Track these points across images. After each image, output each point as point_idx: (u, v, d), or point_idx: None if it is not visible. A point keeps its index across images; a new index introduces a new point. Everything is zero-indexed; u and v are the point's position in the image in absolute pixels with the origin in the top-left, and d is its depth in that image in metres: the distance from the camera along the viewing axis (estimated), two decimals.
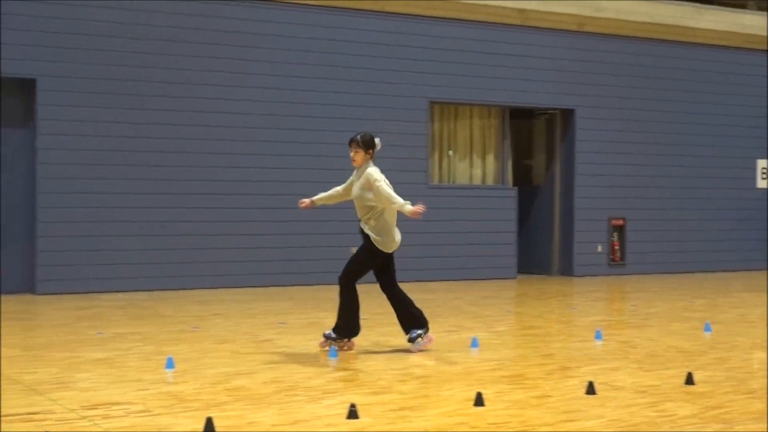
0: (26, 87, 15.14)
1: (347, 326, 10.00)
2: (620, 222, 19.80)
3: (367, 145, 10.12)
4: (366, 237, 10.08)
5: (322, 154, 16.78)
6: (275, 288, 16.21)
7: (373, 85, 17.27)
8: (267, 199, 16.48)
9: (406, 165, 17.48)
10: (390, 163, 17.31)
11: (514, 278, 18.58)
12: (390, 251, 10.20)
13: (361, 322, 10.25)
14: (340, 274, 10.29)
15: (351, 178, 10.38)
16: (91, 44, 15.25)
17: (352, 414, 7.01)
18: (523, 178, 19.91)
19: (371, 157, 10.21)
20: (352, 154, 10.14)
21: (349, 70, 17.04)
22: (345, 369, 9.03)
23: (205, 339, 10.80)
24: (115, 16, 15.36)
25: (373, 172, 10.03)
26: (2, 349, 10.03)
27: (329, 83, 16.89)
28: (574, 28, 19.05)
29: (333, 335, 9.99)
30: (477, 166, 18.84)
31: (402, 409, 7.35)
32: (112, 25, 15.36)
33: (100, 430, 6.68)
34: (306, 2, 16.60)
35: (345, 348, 9.94)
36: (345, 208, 16.80)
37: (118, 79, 15.41)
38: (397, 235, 10.19)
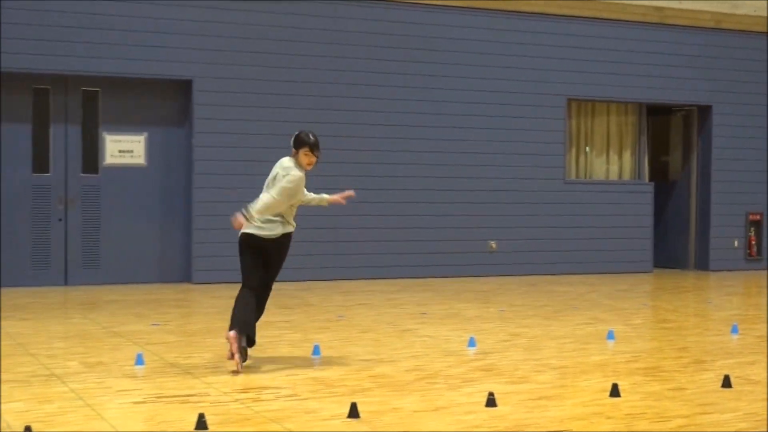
0: (183, 88, 15.50)
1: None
2: (757, 217, 19.23)
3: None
4: (289, 235, 8.84)
5: (466, 150, 16.78)
6: (416, 280, 16.23)
7: (512, 83, 17.14)
8: (413, 194, 16.52)
9: (544, 161, 17.37)
10: (527, 159, 17.30)
11: (650, 272, 18.24)
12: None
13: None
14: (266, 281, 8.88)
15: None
16: (245, 47, 15.52)
17: (491, 402, 6.98)
18: (659, 173, 19.51)
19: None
20: (315, 161, 9.22)
21: (491, 69, 16.95)
22: (484, 359, 8.99)
23: (350, 328, 10.90)
24: (267, 20, 15.59)
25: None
26: (162, 335, 10.30)
27: (469, 82, 16.83)
28: (711, 25, 18.56)
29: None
30: (613, 162, 18.55)
31: (539, 398, 7.30)
32: (265, 28, 15.59)
33: (252, 412, 6.80)
34: (449, 3, 16.58)
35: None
36: (488, 203, 16.84)
37: (270, 79, 15.66)
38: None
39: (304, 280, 15.64)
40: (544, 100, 17.44)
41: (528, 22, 17.21)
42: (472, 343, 9.67)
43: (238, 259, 8.65)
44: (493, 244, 17.09)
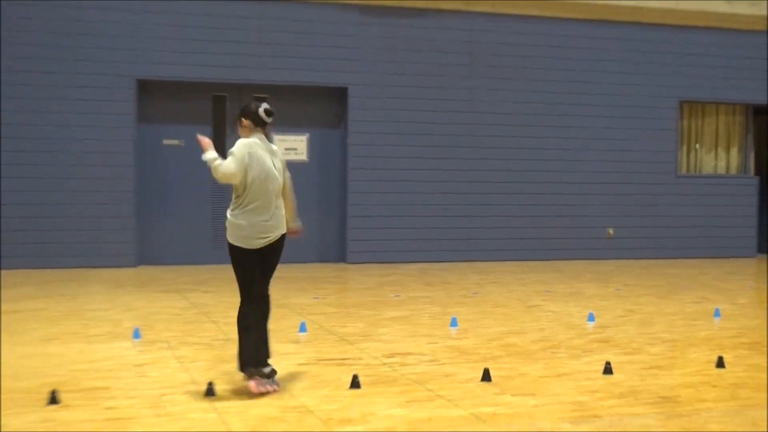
0: (339, 94, 15.70)
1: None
2: None
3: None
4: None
5: (588, 148, 16.61)
6: (542, 261, 16.11)
7: (631, 87, 16.83)
8: (541, 186, 16.40)
9: (658, 157, 17.04)
10: (644, 155, 17.00)
11: (754, 257, 17.67)
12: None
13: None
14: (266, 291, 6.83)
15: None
16: (392, 58, 15.62)
17: (608, 370, 6.94)
18: (765, 168, 18.86)
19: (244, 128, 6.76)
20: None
21: (610, 75, 16.69)
22: (602, 332, 8.90)
23: (483, 303, 10.90)
24: (410, 34, 15.66)
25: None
26: (322, 307, 10.48)
27: (592, 87, 16.60)
28: None
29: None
30: (721, 158, 18.02)
31: (651, 368, 7.20)
32: (409, 42, 15.67)
33: (398, 374, 6.89)
34: (576, 16, 16.39)
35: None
36: (607, 194, 16.62)
37: (413, 86, 15.72)
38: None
39: (443, 261, 15.70)
40: (659, 102, 17.07)
41: (645, 32, 16.85)
42: (591, 318, 9.59)
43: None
44: (611, 231, 16.85)
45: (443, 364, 7.29)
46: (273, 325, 9.06)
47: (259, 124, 6.69)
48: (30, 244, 14.04)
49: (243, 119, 6.75)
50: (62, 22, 14.19)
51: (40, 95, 14.12)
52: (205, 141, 6.66)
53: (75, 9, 14.22)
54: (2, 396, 6.12)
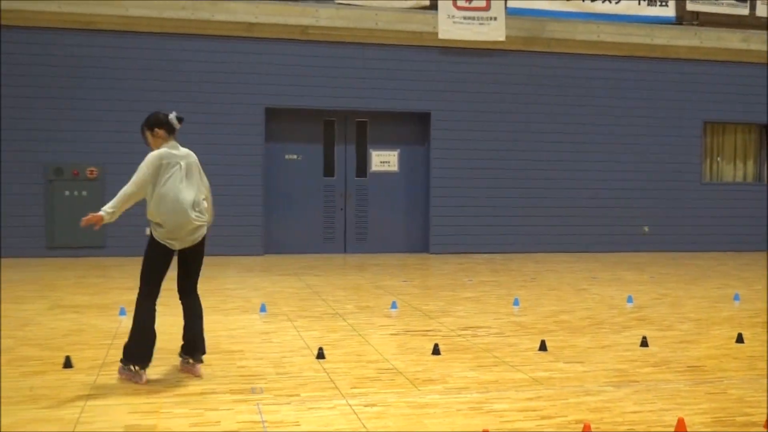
0: (423, 118, 15.64)
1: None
2: None
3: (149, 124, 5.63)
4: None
5: (628, 160, 16.23)
6: (588, 253, 15.81)
7: (662, 110, 16.40)
8: (589, 192, 16.08)
9: (685, 167, 16.54)
10: (673, 166, 16.51)
11: (765, 251, 17.03)
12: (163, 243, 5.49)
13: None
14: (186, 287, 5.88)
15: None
16: (466, 88, 15.49)
17: (644, 343, 6.76)
18: None
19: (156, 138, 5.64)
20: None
21: (646, 101, 16.28)
22: (639, 312, 8.67)
23: (540, 287, 10.74)
24: (481, 69, 15.53)
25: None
26: (409, 288, 10.46)
27: (630, 111, 16.23)
28: None
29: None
30: (739, 168, 17.38)
31: (681, 342, 6.99)
32: (481, 75, 15.54)
33: (470, 344, 6.82)
34: (611, 53, 16.05)
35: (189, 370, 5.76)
36: (642, 198, 16.22)
37: (485, 111, 15.58)
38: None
39: (507, 252, 15.53)
40: (687, 122, 16.57)
41: (676, 65, 16.38)
42: (630, 299, 9.36)
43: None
44: (646, 228, 16.44)
45: (507, 336, 7.20)
46: (371, 302, 9.09)
47: (172, 132, 5.59)
48: None
49: (156, 129, 5.55)
50: (214, 63, 14.45)
51: (195, 120, 14.41)
52: (88, 218, 5.19)
53: (224, 53, 14.47)
54: (158, 355, 6.22)
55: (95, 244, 14.01)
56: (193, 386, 5.36)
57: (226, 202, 14.53)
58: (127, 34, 14.09)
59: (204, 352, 5.76)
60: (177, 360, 5.98)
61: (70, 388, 5.27)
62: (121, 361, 5.53)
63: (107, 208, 5.24)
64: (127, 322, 7.64)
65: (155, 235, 5.44)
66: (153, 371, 5.67)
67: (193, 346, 5.68)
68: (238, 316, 8.16)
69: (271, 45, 14.69)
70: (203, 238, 5.64)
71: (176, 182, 5.46)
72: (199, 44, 14.39)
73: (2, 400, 4.98)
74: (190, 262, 5.69)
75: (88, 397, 5.08)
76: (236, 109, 14.58)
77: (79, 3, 13.80)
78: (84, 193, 13.95)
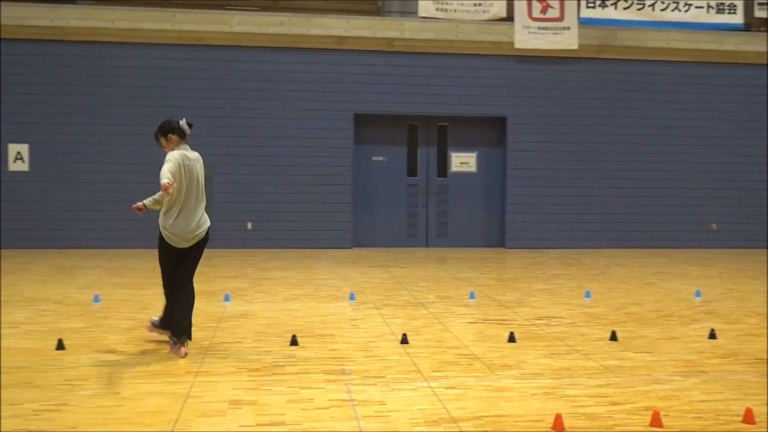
0: (500, 122, 15.46)
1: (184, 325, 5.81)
2: None
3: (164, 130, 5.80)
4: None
5: (701, 161, 15.66)
6: (657, 249, 15.32)
7: (725, 113, 15.77)
8: (662, 191, 15.59)
9: (748, 168, 15.86)
10: (737, 166, 15.84)
11: None
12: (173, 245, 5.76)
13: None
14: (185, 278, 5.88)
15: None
16: (539, 94, 15.24)
17: (712, 335, 6.53)
18: None
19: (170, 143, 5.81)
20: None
21: (709, 112, 15.68)
22: (707, 305, 8.37)
23: (610, 280, 10.49)
24: (550, 76, 15.25)
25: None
26: (486, 280, 10.37)
27: (692, 121, 15.66)
28: None
29: (158, 324, 6.12)
30: None
31: (748, 335, 6.72)
32: (551, 82, 15.27)
33: (544, 333, 6.72)
34: (677, 60, 15.53)
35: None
36: (710, 197, 15.64)
37: (557, 114, 15.31)
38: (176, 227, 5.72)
39: (579, 248, 15.22)
40: (745, 124, 15.89)
41: (743, 69, 15.75)
42: (698, 293, 9.04)
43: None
44: (714, 226, 15.84)
45: (579, 326, 7.05)
46: (450, 293, 9.05)
47: (183, 137, 5.79)
48: (278, 230, 14.58)
49: (170, 135, 5.76)
50: (309, 74, 14.64)
51: (293, 126, 14.65)
52: (140, 205, 5.80)
53: (317, 64, 14.66)
54: (258, 338, 6.34)
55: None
56: (290, 366, 5.45)
57: (319, 199, 14.73)
58: (231, 48, 14.42)
59: (190, 338, 5.85)
60: (279, 344, 6.10)
61: (180, 365, 5.43)
62: (175, 335, 5.73)
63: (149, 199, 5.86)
64: (231, 308, 7.82)
65: (163, 234, 5.79)
66: (254, 354, 5.78)
67: (180, 329, 5.78)
68: (329, 303, 8.25)
69: (360, 56, 14.79)
70: (206, 234, 5.85)
71: (189, 202, 5.73)
72: (295, 56, 14.60)
73: (124, 374, 5.17)
74: (190, 255, 5.86)
75: (197, 373, 5.23)
76: (328, 115, 14.74)
77: (191, 23, 14.21)
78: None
